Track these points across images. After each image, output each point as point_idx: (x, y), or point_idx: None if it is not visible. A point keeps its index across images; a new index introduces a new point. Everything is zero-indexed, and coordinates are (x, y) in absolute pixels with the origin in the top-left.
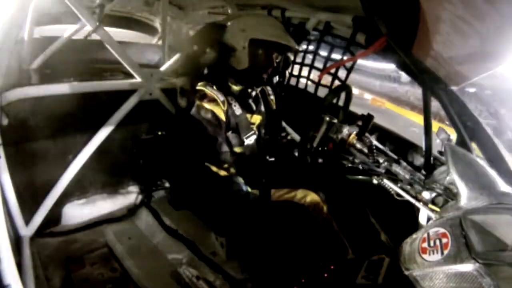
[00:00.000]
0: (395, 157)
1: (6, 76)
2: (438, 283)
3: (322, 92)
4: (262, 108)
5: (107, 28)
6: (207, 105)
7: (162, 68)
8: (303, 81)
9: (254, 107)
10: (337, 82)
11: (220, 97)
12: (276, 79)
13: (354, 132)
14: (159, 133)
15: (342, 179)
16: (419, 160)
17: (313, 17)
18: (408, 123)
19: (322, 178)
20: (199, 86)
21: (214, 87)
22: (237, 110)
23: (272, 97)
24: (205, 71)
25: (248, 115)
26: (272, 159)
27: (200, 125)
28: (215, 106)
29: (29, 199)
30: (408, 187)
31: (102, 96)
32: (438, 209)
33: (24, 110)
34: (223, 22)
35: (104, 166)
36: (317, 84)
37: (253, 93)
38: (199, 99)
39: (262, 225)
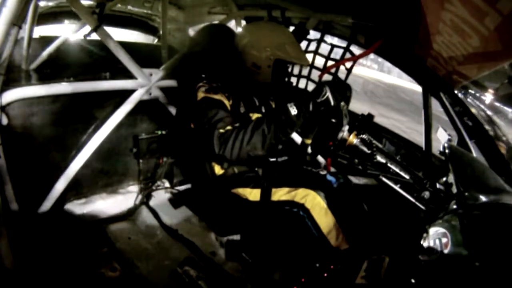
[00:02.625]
0: (395, 157)
1: (6, 76)
2: (438, 283)
3: None
4: (263, 109)
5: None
6: (214, 96)
7: (162, 68)
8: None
9: (257, 103)
10: None
11: (224, 92)
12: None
13: (354, 132)
14: (159, 132)
15: (342, 179)
16: (419, 160)
17: (313, 17)
18: None
19: (323, 177)
20: (203, 82)
21: (219, 84)
22: (241, 108)
23: (272, 96)
24: (209, 70)
25: (251, 114)
26: (273, 159)
27: (214, 104)
28: (221, 97)
29: (29, 199)
30: (408, 187)
31: (102, 95)
32: (438, 209)
33: (24, 110)
34: (223, 22)
35: (104, 166)
36: (317, 84)
37: (260, 89)
38: (204, 92)
39: (262, 225)
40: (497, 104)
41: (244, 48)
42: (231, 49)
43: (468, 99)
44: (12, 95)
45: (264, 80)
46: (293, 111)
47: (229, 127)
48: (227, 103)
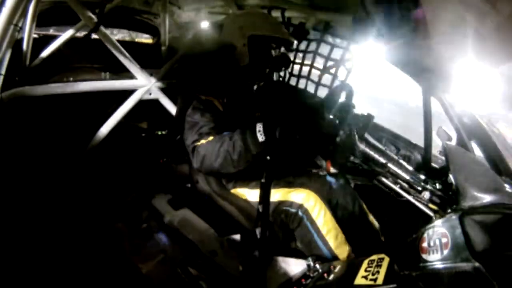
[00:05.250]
0: (395, 157)
1: (5, 76)
2: (438, 283)
3: (322, 92)
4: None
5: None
6: (203, 96)
7: (162, 68)
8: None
9: (254, 103)
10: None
11: (218, 92)
12: (275, 77)
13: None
14: (159, 132)
15: (342, 179)
16: (419, 160)
17: (313, 17)
18: None
19: (322, 178)
20: (199, 83)
21: (214, 83)
22: (238, 109)
23: (271, 95)
24: (205, 70)
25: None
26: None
27: (198, 112)
28: (213, 98)
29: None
30: (408, 187)
31: (102, 95)
32: (438, 209)
33: (23, 110)
34: (221, 22)
35: (103, 166)
36: (317, 84)
37: (254, 88)
38: (198, 93)
39: (261, 225)
40: None
41: (223, 37)
42: (221, 45)
43: None
44: (12, 95)
45: (242, 61)
46: (261, 137)
47: (203, 141)
48: (218, 104)
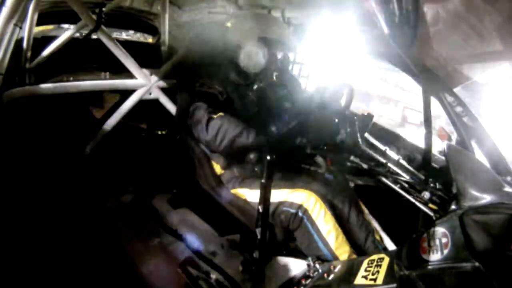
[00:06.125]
0: (395, 157)
1: (5, 76)
2: (438, 283)
3: None
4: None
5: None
6: (207, 90)
7: (162, 68)
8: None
9: (254, 101)
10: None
11: (219, 88)
12: (275, 77)
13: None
14: (159, 132)
15: (341, 179)
16: (419, 160)
17: (313, 17)
18: None
19: (322, 177)
20: (199, 80)
21: (214, 81)
22: (238, 106)
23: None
24: (206, 69)
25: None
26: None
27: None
28: (214, 91)
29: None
30: (408, 187)
31: (102, 96)
32: (438, 209)
33: (23, 110)
34: (223, 22)
35: (103, 166)
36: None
37: (255, 87)
38: (198, 87)
39: (261, 225)
40: None
41: (230, 36)
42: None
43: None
44: (12, 94)
45: (248, 62)
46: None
47: (220, 113)
48: (220, 98)
